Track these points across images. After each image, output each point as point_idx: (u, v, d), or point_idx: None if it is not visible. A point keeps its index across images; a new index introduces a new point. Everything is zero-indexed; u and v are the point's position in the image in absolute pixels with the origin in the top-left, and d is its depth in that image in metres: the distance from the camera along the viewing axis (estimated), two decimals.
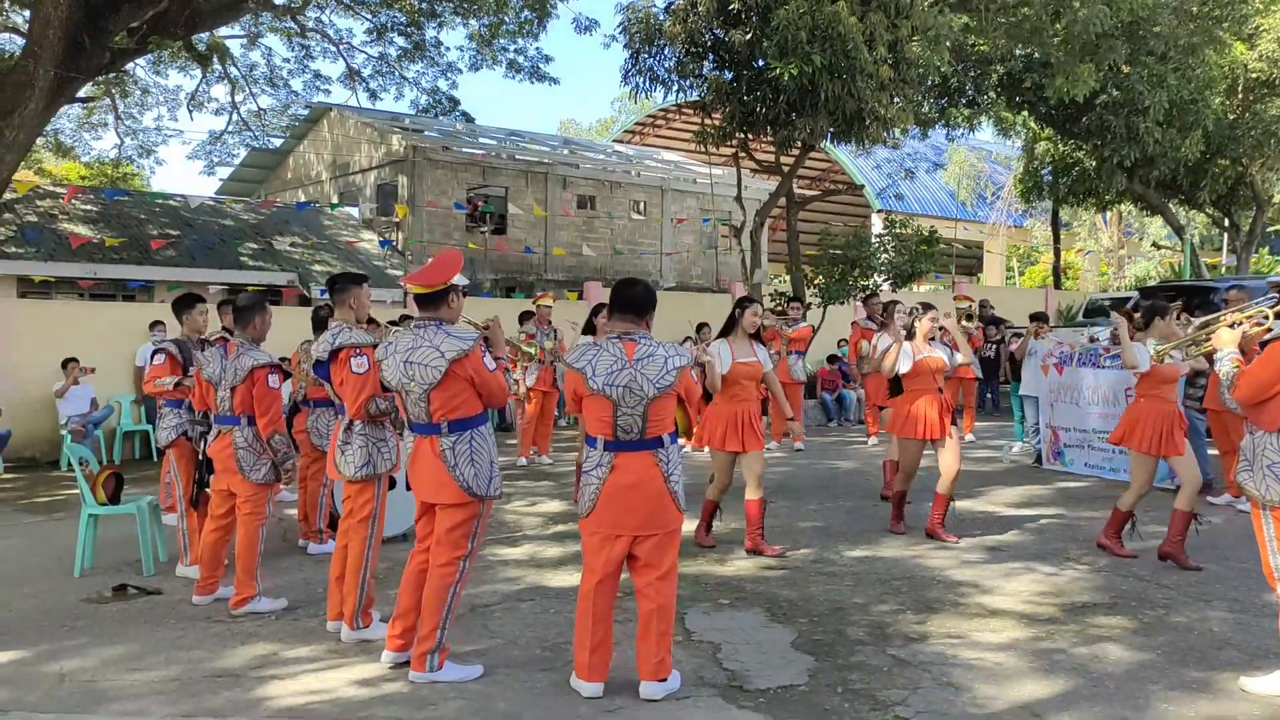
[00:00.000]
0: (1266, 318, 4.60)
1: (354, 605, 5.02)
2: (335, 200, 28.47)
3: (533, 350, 10.01)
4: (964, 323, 12.15)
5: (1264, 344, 4.35)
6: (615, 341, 4.29)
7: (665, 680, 4.24)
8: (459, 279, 4.62)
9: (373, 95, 24.16)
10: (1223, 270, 28.72)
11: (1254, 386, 4.24)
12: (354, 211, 28.17)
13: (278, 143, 30.39)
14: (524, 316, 11.69)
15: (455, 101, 24.83)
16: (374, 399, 5.09)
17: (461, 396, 4.45)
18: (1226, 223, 25.43)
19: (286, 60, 29.89)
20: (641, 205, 30.51)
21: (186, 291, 7.48)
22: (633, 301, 4.38)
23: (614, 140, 40.98)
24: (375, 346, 4.97)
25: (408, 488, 4.70)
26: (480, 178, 27.36)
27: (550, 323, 11.47)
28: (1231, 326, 4.64)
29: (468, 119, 25.98)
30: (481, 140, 30.04)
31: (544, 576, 6.34)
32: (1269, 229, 28.24)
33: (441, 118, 25.95)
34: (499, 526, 7.83)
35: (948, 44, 15.34)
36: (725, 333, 6.88)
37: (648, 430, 4.22)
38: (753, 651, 4.85)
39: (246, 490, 5.62)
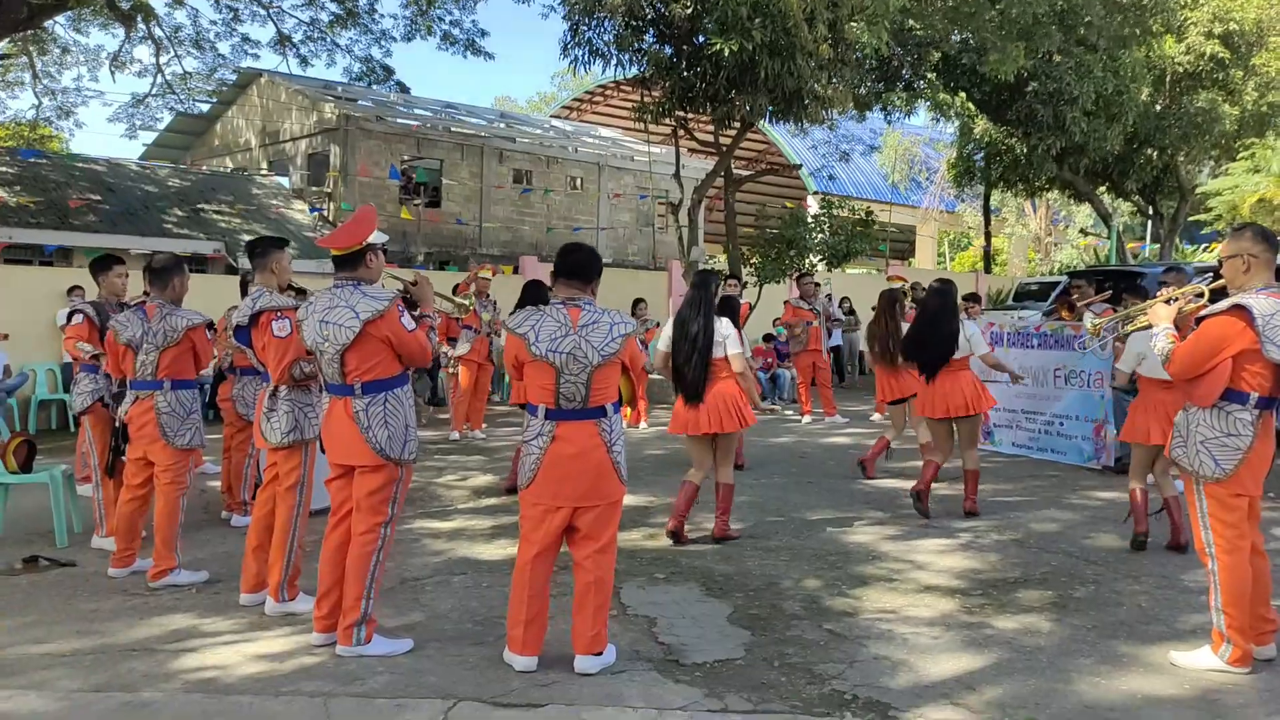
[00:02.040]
0: (1201, 295, 4.63)
1: (279, 576, 4.86)
2: (265, 168, 27.82)
3: (468, 302, 9.78)
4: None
5: (1199, 320, 4.38)
6: (560, 307, 4.19)
7: (600, 654, 4.17)
8: (376, 237, 4.47)
9: (303, 61, 23.60)
10: (1146, 255, 29.37)
11: (1188, 362, 4.27)
12: (284, 181, 27.54)
13: (205, 108, 29.55)
14: (457, 289, 11.48)
15: (389, 71, 24.39)
16: (298, 363, 4.92)
17: (377, 357, 4.33)
18: (1151, 211, 26.01)
19: (214, 22, 29.02)
20: (578, 181, 30.29)
21: (105, 253, 7.19)
22: (578, 267, 4.27)
23: (551, 116, 40.63)
24: (297, 309, 4.81)
25: (322, 450, 4.55)
26: (415, 149, 26.91)
27: (489, 295, 11.29)
28: (1167, 303, 4.67)
29: (402, 88, 25.53)
30: (416, 111, 29.55)
31: (476, 550, 6.22)
32: (1190, 219, 28.98)
33: (375, 87, 25.46)
34: (430, 500, 7.69)
35: (886, 25, 15.38)
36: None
37: (591, 399, 4.12)
38: (689, 626, 4.80)
39: (167, 458, 5.41)
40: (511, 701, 3.87)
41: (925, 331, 7.30)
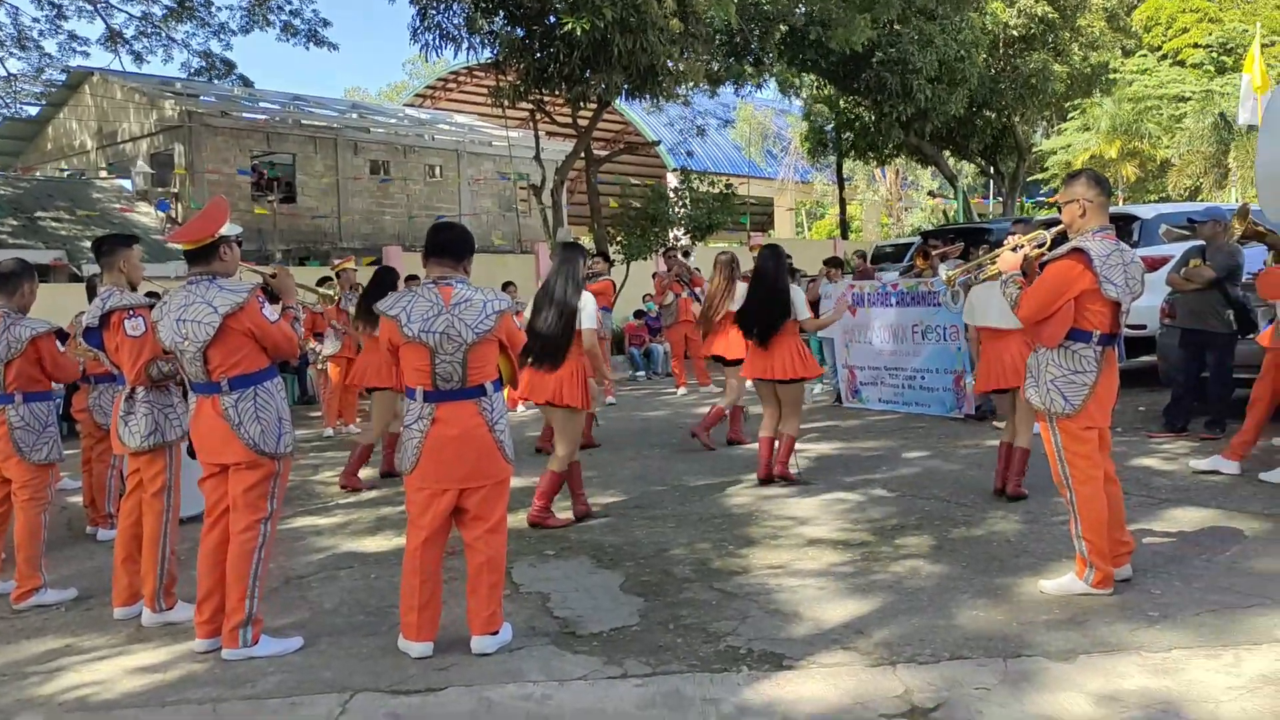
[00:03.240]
0: (1044, 242, 4.87)
1: (154, 586, 4.68)
2: (104, 171, 26.53)
3: (333, 293, 9.56)
4: None
5: (1043, 264, 4.61)
6: (431, 287, 4.13)
7: (497, 633, 4.16)
8: (229, 229, 4.34)
9: (138, 58, 22.61)
10: (991, 213, 30.62)
11: (1035, 305, 4.49)
12: (126, 183, 26.29)
13: (34, 111, 28.01)
14: (322, 282, 11.21)
15: (231, 65, 23.53)
16: (154, 362, 4.72)
17: (241, 352, 4.21)
18: (993, 171, 27.14)
19: (37, 20, 27.46)
20: (437, 169, 29.82)
21: None
22: (448, 244, 4.22)
23: (405, 105, 39.84)
24: (151, 307, 4.64)
25: (191, 454, 4.40)
26: (265, 144, 26.06)
27: (354, 287, 11.03)
28: (1014, 250, 4.90)
29: (246, 83, 24.70)
30: (263, 105, 28.55)
31: (360, 543, 6.12)
32: (1029, 179, 30.35)
33: (217, 82, 24.56)
34: (309, 498, 7.52)
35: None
36: None
37: (469, 378, 4.08)
38: (582, 598, 4.83)
39: (25, 474, 5.14)
40: (410, 688, 3.84)
41: (757, 298, 7.30)
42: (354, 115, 30.93)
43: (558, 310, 5.99)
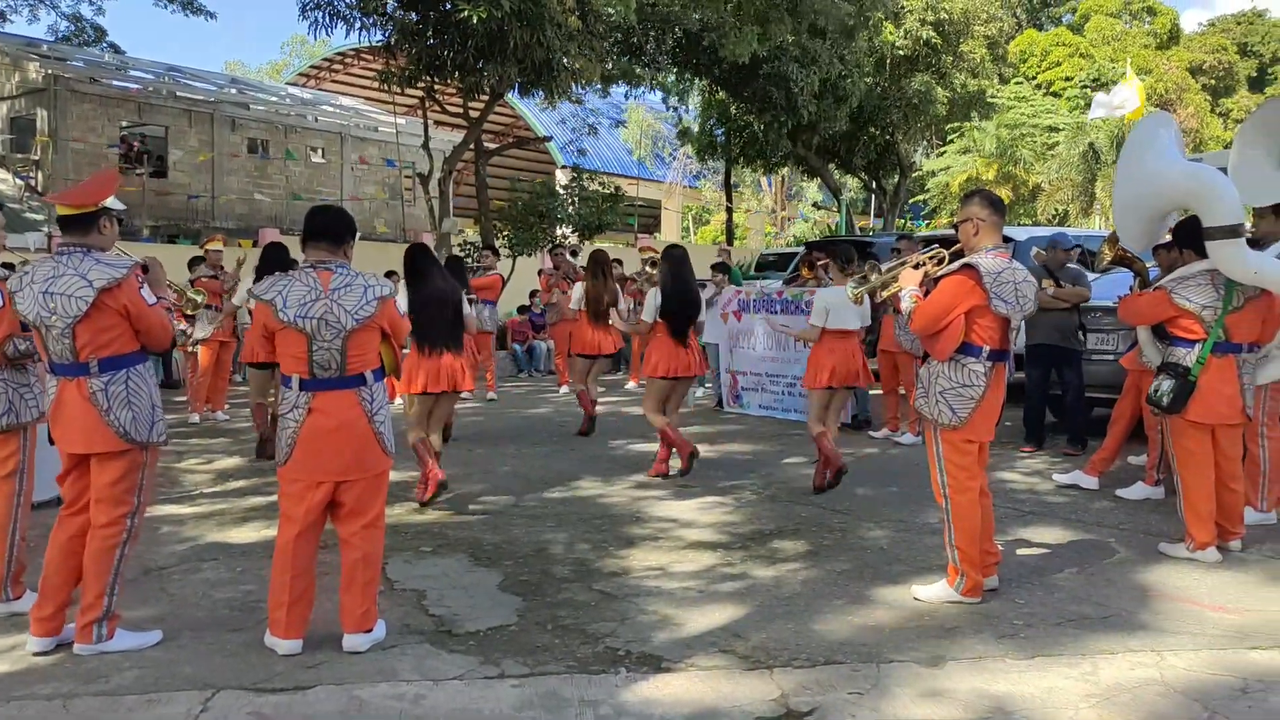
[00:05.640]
0: (943, 259, 4.98)
1: (1, 573, 4.40)
2: None
3: (201, 298, 9.23)
4: (649, 269, 12.50)
5: (935, 280, 4.72)
6: (309, 271, 3.98)
7: (371, 631, 4.04)
8: (113, 203, 4.10)
9: (1, 17, 21.44)
10: (873, 228, 31.42)
11: (926, 319, 4.60)
12: None
13: None
14: (194, 262, 10.79)
15: (101, 31, 22.50)
16: (11, 339, 4.44)
17: (114, 331, 3.96)
18: (875, 186, 27.88)
19: None
20: (320, 151, 29.05)
21: None
22: (326, 227, 4.07)
23: (288, 83, 38.72)
24: (7, 279, 4.37)
25: (51, 441, 4.13)
26: (136, 115, 24.97)
27: (222, 267, 10.65)
28: (915, 267, 5.00)
29: (116, 50, 23.65)
30: (135, 74, 27.37)
31: (226, 534, 5.89)
32: (910, 200, 31.26)
33: (86, 47, 23.48)
34: (172, 485, 7.20)
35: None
36: None
37: (348, 367, 3.95)
38: (459, 596, 4.74)
39: None
40: (277, 686, 3.69)
41: (680, 295, 7.41)
42: (233, 90, 29.90)
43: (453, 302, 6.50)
